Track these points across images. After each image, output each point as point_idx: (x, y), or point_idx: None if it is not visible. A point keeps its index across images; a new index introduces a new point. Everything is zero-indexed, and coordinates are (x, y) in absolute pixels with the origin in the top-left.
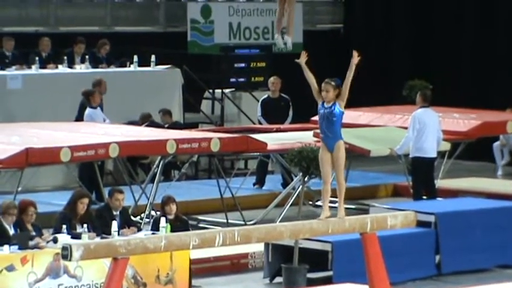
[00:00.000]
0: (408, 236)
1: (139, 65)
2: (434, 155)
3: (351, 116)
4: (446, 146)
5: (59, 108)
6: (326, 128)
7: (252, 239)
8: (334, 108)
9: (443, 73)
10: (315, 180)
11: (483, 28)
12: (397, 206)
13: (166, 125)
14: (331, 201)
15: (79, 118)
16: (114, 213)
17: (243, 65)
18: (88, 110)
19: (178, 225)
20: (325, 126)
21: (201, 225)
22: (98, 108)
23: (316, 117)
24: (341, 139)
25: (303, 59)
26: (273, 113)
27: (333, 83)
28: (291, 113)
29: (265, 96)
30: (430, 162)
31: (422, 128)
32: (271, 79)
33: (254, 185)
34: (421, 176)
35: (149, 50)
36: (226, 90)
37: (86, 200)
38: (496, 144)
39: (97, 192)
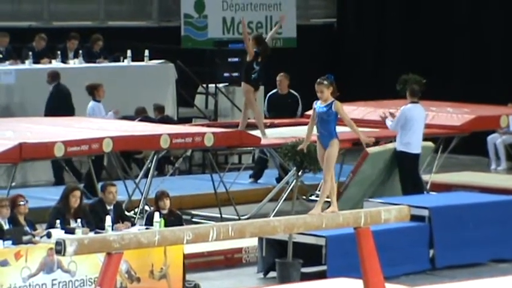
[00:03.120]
0: (402, 230)
1: (132, 60)
2: (419, 151)
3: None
4: None
5: None
6: (321, 127)
7: (246, 233)
8: (330, 108)
9: (438, 67)
10: (309, 174)
11: (477, 21)
12: (391, 201)
13: (157, 118)
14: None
15: (48, 113)
16: (108, 208)
17: (236, 59)
18: (92, 103)
19: (172, 220)
20: (321, 125)
21: (194, 220)
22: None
23: (309, 112)
24: (335, 138)
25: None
26: (279, 109)
27: (325, 82)
28: (299, 110)
29: (274, 91)
30: (414, 157)
31: (410, 123)
32: (278, 77)
33: (250, 177)
34: (407, 170)
35: (143, 44)
36: (220, 85)
37: (77, 193)
38: (490, 137)
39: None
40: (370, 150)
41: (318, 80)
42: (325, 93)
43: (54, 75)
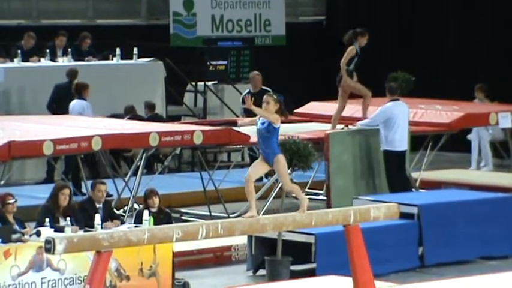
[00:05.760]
0: (391, 227)
1: (121, 58)
2: (405, 147)
3: (333, 108)
4: None
5: (42, 101)
6: (263, 144)
7: (235, 231)
8: (270, 124)
9: (428, 65)
10: (298, 172)
11: (467, 19)
12: (380, 198)
13: (147, 116)
14: (313, 193)
15: (57, 111)
16: (97, 206)
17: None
18: (83, 102)
19: (162, 218)
20: (262, 141)
21: (184, 218)
22: None
23: (300, 110)
24: (279, 153)
25: (250, 104)
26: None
27: (275, 97)
28: None
29: (247, 90)
30: (401, 155)
31: (392, 121)
32: (250, 75)
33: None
34: (394, 168)
35: (131, 42)
36: (209, 83)
37: (66, 191)
38: (469, 136)
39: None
40: (328, 131)
41: (269, 93)
42: (271, 106)
43: (69, 73)
